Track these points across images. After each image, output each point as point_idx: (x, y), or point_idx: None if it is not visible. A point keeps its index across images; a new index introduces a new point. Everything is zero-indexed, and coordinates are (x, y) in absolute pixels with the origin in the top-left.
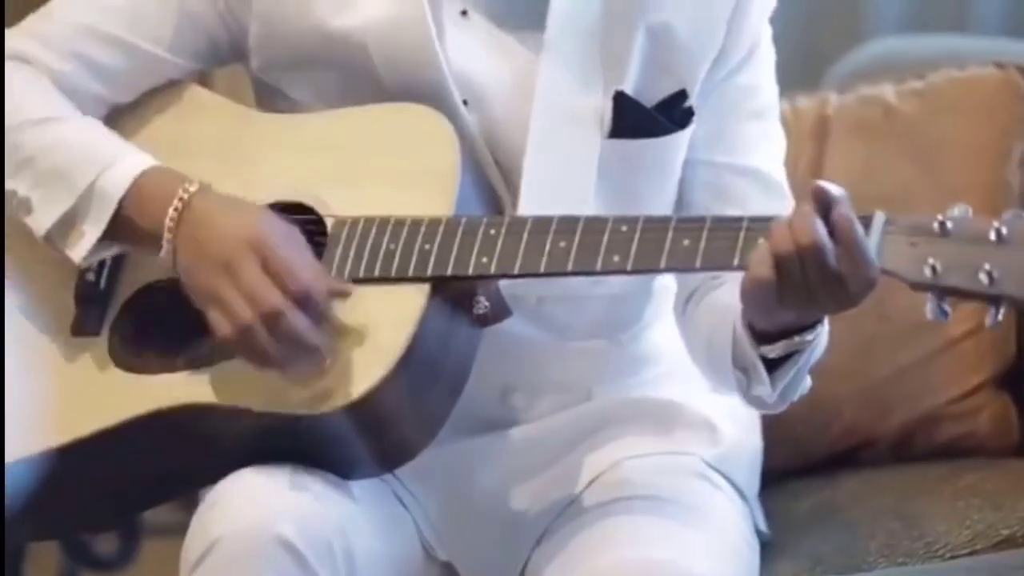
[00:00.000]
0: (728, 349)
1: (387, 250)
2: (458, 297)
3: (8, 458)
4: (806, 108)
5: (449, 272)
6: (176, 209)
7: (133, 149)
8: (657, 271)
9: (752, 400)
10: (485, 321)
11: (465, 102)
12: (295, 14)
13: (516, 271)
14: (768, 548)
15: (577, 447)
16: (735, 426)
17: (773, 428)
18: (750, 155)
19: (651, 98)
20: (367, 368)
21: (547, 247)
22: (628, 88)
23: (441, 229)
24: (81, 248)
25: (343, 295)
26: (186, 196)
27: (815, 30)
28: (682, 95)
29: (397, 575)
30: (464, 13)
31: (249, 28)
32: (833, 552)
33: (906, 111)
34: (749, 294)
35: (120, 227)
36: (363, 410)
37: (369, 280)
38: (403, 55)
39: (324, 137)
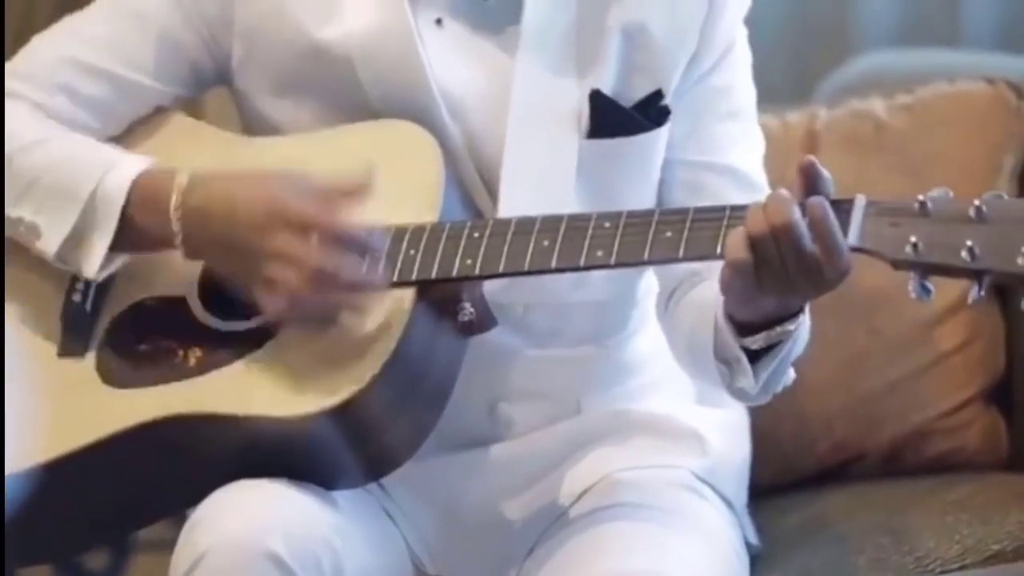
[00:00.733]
0: (710, 342)
1: None
2: (444, 302)
3: None
4: (796, 123)
5: (434, 275)
6: (177, 208)
7: (124, 153)
8: (641, 263)
9: (736, 392)
10: (471, 329)
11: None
12: (277, 30)
13: (500, 270)
14: (758, 562)
15: (566, 460)
16: (722, 437)
17: (763, 442)
18: (726, 154)
19: (629, 98)
20: (354, 372)
21: (531, 246)
22: (605, 89)
23: (426, 235)
24: (93, 261)
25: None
26: (181, 188)
27: (805, 45)
28: (658, 95)
29: None
30: (439, 22)
31: (232, 50)
32: (823, 566)
33: (896, 126)
34: (728, 281)
35: (128, 232)
36: (349, 414)
37: None
38: (388, 66)
39: (309, 157)
